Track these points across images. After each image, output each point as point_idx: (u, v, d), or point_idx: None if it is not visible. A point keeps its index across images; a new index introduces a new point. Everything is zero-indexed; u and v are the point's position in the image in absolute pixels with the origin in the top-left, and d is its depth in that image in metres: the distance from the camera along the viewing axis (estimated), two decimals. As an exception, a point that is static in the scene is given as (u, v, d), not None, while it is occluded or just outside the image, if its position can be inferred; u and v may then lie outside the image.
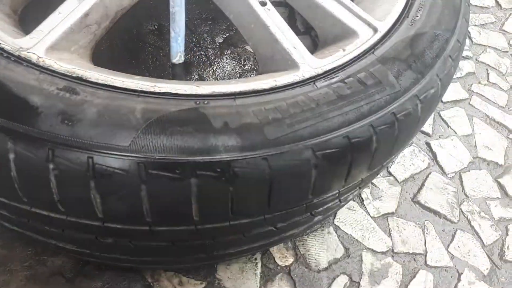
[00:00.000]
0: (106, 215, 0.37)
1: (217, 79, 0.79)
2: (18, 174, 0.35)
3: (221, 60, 0.82)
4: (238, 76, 0.81)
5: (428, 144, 0.82)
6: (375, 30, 0.50)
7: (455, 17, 0.53)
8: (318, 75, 0.44)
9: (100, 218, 0.38)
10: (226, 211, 0.39)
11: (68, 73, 0.38)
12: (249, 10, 0.48)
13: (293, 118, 0.39)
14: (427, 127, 0.84)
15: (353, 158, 0.41)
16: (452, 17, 0.53)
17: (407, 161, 0.79)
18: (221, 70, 0.81)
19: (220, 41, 0.84)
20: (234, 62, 0.83)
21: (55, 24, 0.41)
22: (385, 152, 0.45)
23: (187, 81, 0.43)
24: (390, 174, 0.77)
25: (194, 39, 0.82)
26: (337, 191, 0.46)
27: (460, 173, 0.78)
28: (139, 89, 0.39)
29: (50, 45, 0.40)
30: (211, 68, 0.80)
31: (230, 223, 0.41)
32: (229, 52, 0.83)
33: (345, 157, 0.41)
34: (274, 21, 0.47)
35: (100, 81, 0.38)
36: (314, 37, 0.88)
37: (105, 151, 0.34)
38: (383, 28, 0.50)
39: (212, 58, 0.82)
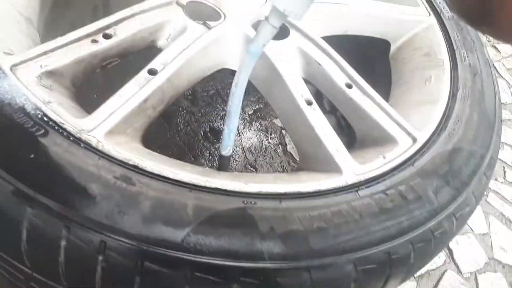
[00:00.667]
0: (142, 309, 0.37)
1: (243, 150, 0.80)
2: (66, 261, 0.35)
3: (249, 131, 0.84)
4: (264, 149, 0.83)
5: (444, 238, 0.82)
6: (414, 140, 0.51)
7: (490, 134, 0.56)
8: (361, 182, 0.45)
9: (136, 310, 0.37)
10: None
11: (125, 160, 0.39)
12: (296, 108, 0.50)
13: (338, 229, 0.40)
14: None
15: (390, 273, 0.41)
16: (487, 133, 0.55)
17: (423, 253, 0.78)
18: (248, 141, 0.83)
19: (250, 112, 0.86)
20: (261, 134, 0.85)
21: (116, 108, 0.43)
22: (419, 266, 0.45)
23: (235, 175, 0.44)
24: (405, 265, 0.77)
25: (225, 108, 0.85)
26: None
27: (475, 273, 0.78)
28: (191, 182, 0.40)
29: (110, 129, 0.41)
30: (239, 138, 0.82)
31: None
32: (257, 123, 0.86)
33: (383, 272, 0.41)
34: (319, 122, 0.49)
35: (154, 171, 0.39)
36: (340, 117, 0.91)
37: (155, 248, 0.35)
38: (422, 138, 0.51)
39: (241, 128, 0.83)
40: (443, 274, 0.76)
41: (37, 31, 0.55)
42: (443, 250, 0.80)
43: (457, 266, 0.78)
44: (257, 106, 0.87)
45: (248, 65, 0.38)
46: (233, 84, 0.40)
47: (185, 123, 0.81)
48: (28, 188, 0.35)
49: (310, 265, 0.37)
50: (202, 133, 0.81)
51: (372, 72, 0.71)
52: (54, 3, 0.64)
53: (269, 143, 0.84)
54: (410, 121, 0.54)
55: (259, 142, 0.84)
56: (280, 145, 0.83)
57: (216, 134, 0.82)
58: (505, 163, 0.99)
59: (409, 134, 0.52)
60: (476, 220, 0.85)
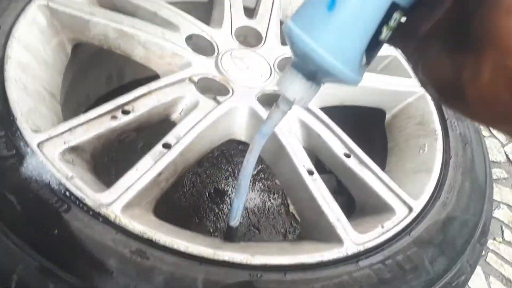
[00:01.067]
0: None
1: (247, 210, 0.83)
2: (82, 334, 0.37)
3: (252, 191, 0.87)
4: (267, 210, 0.85)
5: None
6: (410, 209, 0.54)
7: (482, 201, 0.59)
8: (360, 252, 0.48)
9: None
10: None
11: (140, 234, 0.42)
12: (298, 178, 0.54)
13: (339, 301, 0.42)
14: None
15: None
16: (479, 201, 0.58)
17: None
18: (252, 202, 0.86)
19: (253, 173, 0.89)
20: (264, 194, 0.88)
21: (133, 182, 0.46)
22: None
23: (242, 246, 0.47)
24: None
25: (229, 169, 0.88)
26: None
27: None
28: (201, 255, 0.42)
29: (126, 203, 0.44)
30: (242, 197, 0.84)
31: None
32: (260, 184, 0.89)
33: None
34: (321, 192, 0.52)
35: (167, 245, 0.42)
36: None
37: (167, 322, 0.37)
38: (417, 207, 0.55)
39: (244, 187, 0.86)
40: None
41: (59, 105, 0.60)
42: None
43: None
44: (260, 167, 0.90)
45: (259, 144, 0.42)
46: (245, 160, 0.44)
47: (191, 184, 0.84)
48: (52, 265, 0.37)
49: (313, 338, 0.39)
50: (207, 194, 0.84)
51: (369, 138, 0.75)
52: (73, 77, 0.69)
53: (272, 203, 0.87)
54: (406, 190, 0.57)
55: (262, 202, 0.86)
56: (282, 206, 0.86)
57: (220, 195, 0.84)
58: (503, 222, 1.01)
59: (405, 203, 0.55)
60: (477, 280, 0.86)
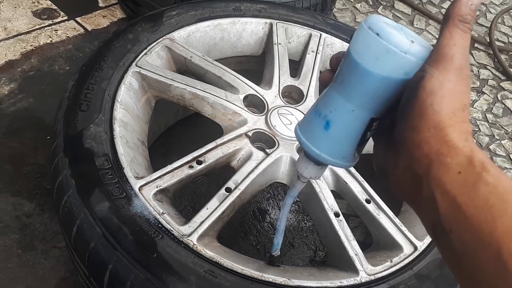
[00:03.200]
0: None
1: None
2: (172, 326, 0.54)
3: (289, 213, 1.03)
4: (301, 229, 1.01)
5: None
6: (415, 247, 0.69)
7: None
8: (372, 281, 0.63)
9: None
10: None
11: (210, 258, 0.59)
12: (326, 219, 0.69)
13: (351, 317, 0.57)
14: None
15: None
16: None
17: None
18: (288, 222, 1.02)
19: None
20: (299, 216, 1.04)
21: (204, 218, 0.64)
22: None
23: (281, 269, 0.63)
24: None
25: (270, 191, 1.05)
26: None
27: None
28: (252, 276, 0.59)
29: (201, 234, 0.62)
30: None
31: None
32: (296, 206, 1.05)
33: None
34: (344, 231, 0.68)
35: (229, 267, 0.59)
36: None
37: (229, 323, 0.54)
38: (421, 247, 0.69)
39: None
40: None
41: (147, 148, 0.79)
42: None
43: None
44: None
45: (289, 204, 0.57)
46: (280, 213, 0.60)
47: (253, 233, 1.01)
48: (153, 277, 0.55)
49: None
50: (251, 212, 1.01)
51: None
52: (152, 117, 0.87)
53: (305, 224, 1.03)
54: (414, 231, 0.71)
55: (297, 223, 1.02)
56: (314, 226, 1.02)
57: (262, 214, 1.01)
58: None
59: (411, 242, 0.69)
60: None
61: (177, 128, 1.09)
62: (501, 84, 1.66)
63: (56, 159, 0.65)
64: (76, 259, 0.61)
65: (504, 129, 1.50)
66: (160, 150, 1.05)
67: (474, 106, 1.55)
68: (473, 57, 1.75)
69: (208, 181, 0.97)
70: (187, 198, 0.95)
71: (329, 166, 0.46)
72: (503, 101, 1.60)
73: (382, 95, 0.37)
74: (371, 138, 0.42)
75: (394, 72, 0.36)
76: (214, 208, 0.65)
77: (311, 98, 0.87)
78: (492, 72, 1.70)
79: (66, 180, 0.62)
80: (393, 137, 0.36)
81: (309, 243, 0.99)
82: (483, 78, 1.67)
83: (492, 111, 1.55)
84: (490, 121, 1.51)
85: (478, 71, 1.69)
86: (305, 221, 1.03)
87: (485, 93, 1.61)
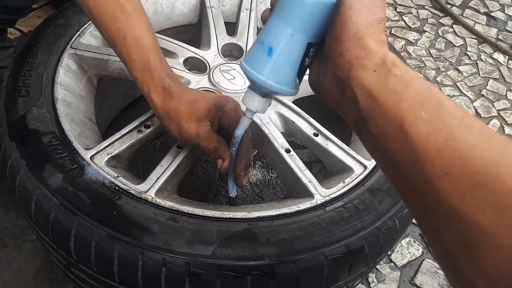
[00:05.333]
0: (192, 300, 0.58)
1: (251, 184, 1.03)
2: (142, 274, 0.57)
3: (254, 169, 1.06)
4: (267, 182, 1.05)
5: (421, 235, 1.01)
6: (365, 167, 0.73)
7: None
8: (327, 202, 0.67)
9: (188, 302, 0.58)
10: (269, 297, 0.59)
11: (170, 208, 0.61)
12: (279, 156, 0.72)
13: (311, 234, 0.61)
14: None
15: (352, 260, 0.62)
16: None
17: (404, 250, 0.98)
18: (254, 177, 1.05)
19: (253, 154, 1.09)
20: (264, 170, 1.07)
21: (160, 174, 0.66)
22: (374, 254, 0.65)
23: (241, 207, 0.66)
24: (391, 260, 0.96)
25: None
26: (343, 281, 0.66)
27: (448, 261, 0.96)
28: (213, 216, 0.62)
29: (158, 189, 0.64)
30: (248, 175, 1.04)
31: (271, 305, 0.61)
32: (259, 162, 1.08)
33: (347, 259, 0.61)
34: (296, 164, 0.71)
35: (190, 212, 0.61)
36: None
37: (196, 259, 0.56)
38: (370, 165, 0.73)
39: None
40: (421, 262, 0.95)
41: (96, 125, 0.80)
42: (420, 244, 0.99)
43: (433, 255, 0.96)
44: (256, 150, 1.10)
45: (236, 143, 0.60)
46: (230, 149, 0.63)
47: (203, 170, 1.04)
48: (116, 232, 0.57)
49: (295, 259, 0.58)
50: (217, 175, 1.04)
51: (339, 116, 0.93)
52: (98, 101, 0.88)
53: (271, 176, 1.06)
54: (363, 154, 0.75)
55: (263, 177, 1.06)
56: (279, 177, 1.05)
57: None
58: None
59: (361, 163, 0.73)
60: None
61: (129, 110, 1.10)
62: (440, 21, 1.73)
63: (3, 146, 0.66)
64: (41, 235, 0.62)
65: (448, 60, 1.56)
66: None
67: (417, 44, 1.61)
68: (411, 0, 1.81)
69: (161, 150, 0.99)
70: (142, 165, 0.97)
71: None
72: (444, 36, 1.66)
73: (316, 18, 0.42)
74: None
75: None
76: (168, 164, 0.68)
77: (250, 51, 0.89)
78: (430, 11, 1.77)
79: (16, 162, 0.63)
80: (322, 52, 0.42)
81: (277, 194, 1.03)
82: (423, 18, 1.74)
83: (435, 47, 1.61)
84: (434, 56, 1.57)
85: (417, 12, 1.76)
86: (270, 174, 1.06)
87: (426, 31, 1.67)
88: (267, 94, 0.50)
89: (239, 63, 0.87)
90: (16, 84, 0.72)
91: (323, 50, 0.42)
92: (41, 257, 0.83)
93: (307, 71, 0.47)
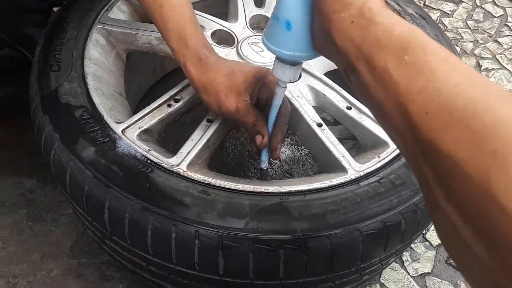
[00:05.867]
0: (225, 273, 0.58)
1: (280, 162, 1.01)
2: (176, 246, 0.57)
3: (283, 146, 1.05)
4: (297, 159, 1.03)
5: (457, 214, 0.97)
6: (401, 140, 0.70)
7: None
8: (361, 177, 0.64)
9: (221, 274, 0.58)
10: (302, 272, 0.58)
11: (202, 181, 0.61)
12: (310, 130, 0.70)
13: (345, 209, 0.59)
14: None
15: (388, 236, 0.60)
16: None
17: (439, 229, 0.95)
18: (284, 154, 1.03)
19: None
20: (293, 147, 1.05)
21: (190, 148, 0.65)
22: (411, 231, 0.63)
23: (273, 182, 0.65)
24: (426, 239, 0.93)
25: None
26: (378, 258, 0.64)
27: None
28: (245, 190, 0.61)
29: (189, 162, 0.63)
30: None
31: (304, 280, 0.60)
32: (289, 139, 1.06)
33: (382, 235, 0.59)
34: (328, 138, 0.69)
35: (221, 186, 0.61)
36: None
37: (229, 232, 0.56)
38: (407, 139, 0.70)
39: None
40: (456, 243, 0.92)
41: (126, 100, 0.80)
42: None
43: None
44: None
45: (275, 112, 0.60)
46: (269, 120, 0.62)
47: (233, 146, 1.03)
48: (149, 205, 0.57)
49: (328, 234, 0.57)
50: (246, 153, 1.03)
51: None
52: (127, 77, 0.88)
53: (300, 153, 1.04)
54: (398, 127, 0.72)
55: (292, 154, 1.04)
56: (309, 154, 1.03)
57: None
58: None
59: (397, 137, 0.70)
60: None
61: (159, 87, 1.09)
62: (478, -11, 1.63)
63: (37, 120, 0.66)
64: (77, 208, 0.63)
65: (487, 32, 1.48)
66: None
67: (453, 15, 1.53)
68: (447, -32, 1.71)
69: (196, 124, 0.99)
70: (178, 142, 0.97)
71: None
72: (482, 6, 1.57)
73: None
74: None
75: None
76: (199, 138, 0.67)
77: (279, 23, 0.86)
78: (468, -20, 1.67)
79: (50, 135, 0.64)
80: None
81: (307, 171, 1.01)
82: (460, -13, 1.64)
83: (473, 18, 1.53)
84: (472, 28, 1.49)
85: (453, -19, 1.66)
86: (300, 151, 1.04)
87: (463, 1, 1.58)
88: (296, 63, 0.49)
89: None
90: (47, 59, 0.72)
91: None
92: (77, 230, 0.85)
93: None
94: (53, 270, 0.81)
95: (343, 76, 0.40)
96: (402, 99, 0.31)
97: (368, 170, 0.65)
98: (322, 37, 0.41)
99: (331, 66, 0.83)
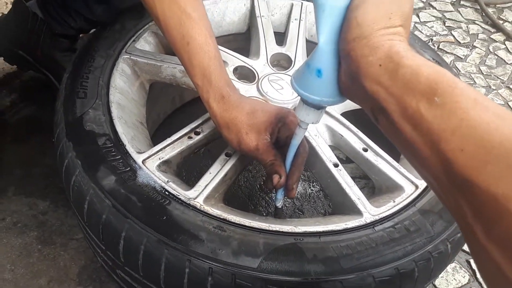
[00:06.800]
0: (235, 311, 0.58)
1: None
2: (188, 281, 0.57)
3: (295, 182, 1.05)
4: (308, 195, 1.03)
5: (468, 262, 0.96)
6: (416, 186, 0.70)
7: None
8: (376, 221, 0.65)
9: (231, 313, 0.58)
10: (313, 315, 0.58)
11: (218, 216, 0.61)
12: (326, 170, 0.71)
13: (360, 253, 0.59)
14: (467, 246, 0.99)
15: (401, 283, 0.60)
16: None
17: (450, 276, 0.94)
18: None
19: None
20: (305, 183, 1.06)
21: (208, 181, 0.66)
22: (424, 279, 0.63)
23: (288, 220, 0.65)
24: (435, 286, 0.92)
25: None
26: (389, 304, 0.64)
27: (497, 290, 0.91)
28: (260, 228, 0.61)
29: (206, 196, 0.64)
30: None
31: (314, 323, 0.59)
32: (301, 175, 1.07)
33: (395, 282, 0.59)
34: (344, 179, 0.70)
35: (237, 222, 0.61)
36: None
37: (242, 271, 0.56)
38: (422, 185, 0.70)
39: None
40: (467, 291, 0.91)
41: (147, 129, 0.81)
42: (467, 271, 0.94)
43: (480, 284, 0.92)
44: (300, 162, 1.08)
45: (292, 152, 0.61)
46: (286, 160, 0.63)
47: (244, 179, 1.04)
48: (165, 238, 0.58)
49: (342, 279, 0.57)
50: (258, 186, 1.04)
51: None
52: (148, 105, 0.90)
53: (312, 190, 1.05)
54: (414, 173, 0.73)
55: (304, 190, 1.04)
56: (321, 191, 1.04)
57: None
58: None
59: (412, 182, 0.71)
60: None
61: (176, 116, 1.11)
62: (491, 36, 1.67)
63: (61, 145, 0.68)
64: (91, 235, 0.64)
65: (500, 78, 1.50)
66: (162, 138, 1.08)
67: (467, 60, 1.56)
68: (461, 14, 1.76)
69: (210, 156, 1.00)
70: (190, 172, 0.98)
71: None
72: (495, 52, 1.60)
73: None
74: None
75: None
76: (217, 172, 0.68)
77: (299, 63, 0.89)
78: (481, 26, 1.71)
79: (72, 162, 0.65)
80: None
81: (318, 208, 1.01)
82: (473, 33, 1.68)
83: (486, 63, 1.55)
84: (484, 73, 1.51)
85: (467, 27, 1.70)
86: (311, 188, 1.05)
87: (477, 47, 1.61)
88: (321, 107, 0.50)
89: (288, 73, 0.86)
90: (74, 86, 0.74)
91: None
92: (86, 256, 0.85)
93: None
94: (59, 295, 0.81)
95: (370, 116, 0.41)
96: (436, 138, 0.32)
97: (383, 215, 0.65)
98: (349, 80, 0.42)
99: (348, 107, 0.84)
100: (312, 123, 0.53)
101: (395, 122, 0.36)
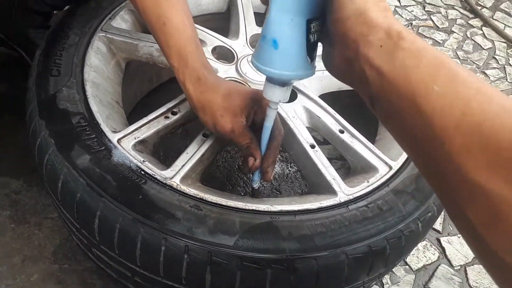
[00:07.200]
0: (211, 288, 0.59)
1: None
2: (164, 259, 0.57)
3: (273, 163, 1.06)
4: (286, 176, 1.05)
5: (438, 240, 1.00)
6: (390, 167, 0.72)
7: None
8: (350, 200, 0.66)
9: (207, 290, 0.59)
10: (288, 291, 0.59)
11: (194, 195, 0.62)
12: (303, 151, 0.72)
13: (333, 231, 0.60)
14: (437, 225, 1.02)
15: (373, 260, 0.61)
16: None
17: (420, 253, 0.97)
18: (274, 171, 1.04)
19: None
20: (283, 164, 1.07)
21: (185, 161, 0.66)
22: (395, 257, 0.65)
23: (264, 200, 0.66)
24: (406, 263, 0.95)
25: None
26: (362, 281, 0.66)
27: (465, 266, 0.95)
28: (236, 207, 0.62)
29: (183, 176, 0.64)
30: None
31: (289, 299, 0.61)
32: (279, 156, 1.08)
33: (367, 259, 0.61)
34: (320, 160, 0.71)
35: (213, 201, 0.62)
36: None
37: (218, 248, 0.56)
38: (395, 166, 0.72)
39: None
40: (437, 267, 0.94)
41: (122, 108, 0.80)
42: (436, 249, 0.98)
43: (449, 261, 0.95)
44: (278, 143, 1.09)
45: (267, 134, 0.61)
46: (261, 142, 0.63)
47: (223, 159, 1.04)
48: (140, 216, 0.58)
49: (316, 256, 0.58)
50: (236, 166, 1.04)
51: (364, 113, 0.92)
52: (125, 84, 0.89)
53: (289, 171, 1.06)
54: (389, 153, 0.74)
55: (282, 170, 1.05)
56: (298, 172, 1.05)
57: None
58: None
59: (386, 163, 0.73)
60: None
61: (153, 95, 1.10)
62: (469, 22, 1.69)
63: (33, 124, 0.66)
64: (66, 214, 0.63)
65: (476, 63, 1.53)
66: (139, 118, 1.06)
67: (444, 45, 1.58)
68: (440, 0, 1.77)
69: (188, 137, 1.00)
70: (168, 152, 0.98)
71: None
72: (472, 37, 1.63)
73: None
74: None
75: None
76: (194, 152, 0.68)
77: (278, 43, 0.88)
78: (459, 12, 1.73)
79: (45, 140, 0.64)
80: (327, 33, 0.42)
81: (295, 188, 1.03)
82: (452, 18, 1.70)
83: (463, 48, 1.58)
84: (461, 58, 1.54)
85: (446, 12, 1.72)
86: (289, 168, 1.06)
87: (455, 32, 1.64)
88: (285, 83, 0.50)
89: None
90: (47, 63, 0.72)
91: (328, 30, 0.41)
92: (61, 235, 0.84)
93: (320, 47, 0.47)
94: (34, 275, 0.80)
95: (367, 102, 0.38)
96: (437, 135, 0.29)
97: (357, 194, 0.67)
98: (346, 64, 0.39)
99: (326, 88, 0.85)
100: (280, 101, 0.52)
101: (394, 114, 0.33)
